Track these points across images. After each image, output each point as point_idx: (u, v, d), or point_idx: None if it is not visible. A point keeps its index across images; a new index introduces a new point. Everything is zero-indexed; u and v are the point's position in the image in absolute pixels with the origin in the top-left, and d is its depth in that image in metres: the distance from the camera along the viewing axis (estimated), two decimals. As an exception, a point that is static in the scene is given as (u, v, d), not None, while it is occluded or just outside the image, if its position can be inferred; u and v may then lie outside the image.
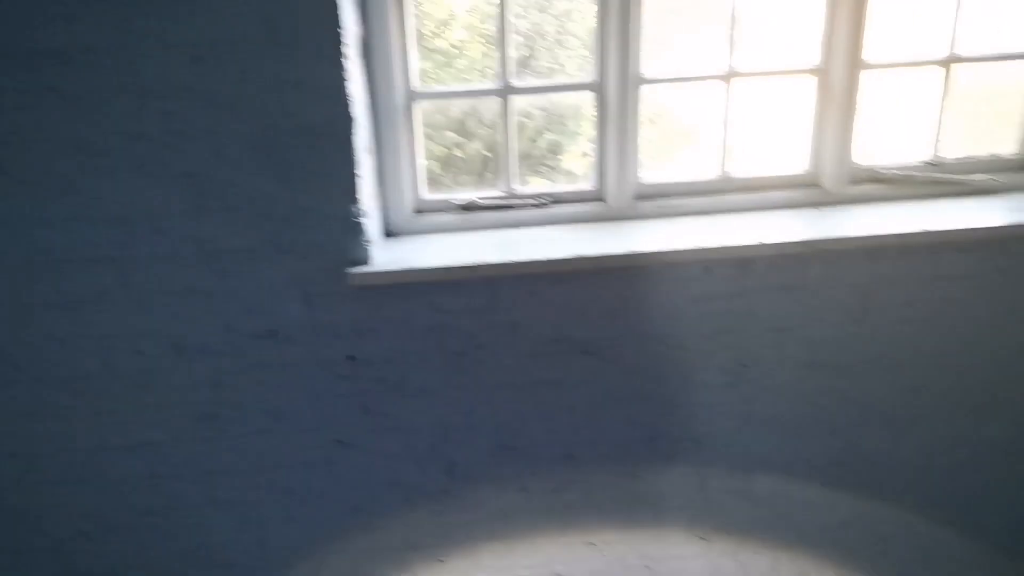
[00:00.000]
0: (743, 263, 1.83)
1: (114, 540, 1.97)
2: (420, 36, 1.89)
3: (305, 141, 1.66)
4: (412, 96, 1.87)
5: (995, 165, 2.04)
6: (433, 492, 1.98)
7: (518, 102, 1.92)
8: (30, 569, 1.98)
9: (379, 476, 1.94)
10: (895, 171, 2.01)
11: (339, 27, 1.59)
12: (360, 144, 1.71)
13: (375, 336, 1.82)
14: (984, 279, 1.89)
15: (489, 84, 1.90)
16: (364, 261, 1.75)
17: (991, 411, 2.01)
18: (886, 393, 1.98)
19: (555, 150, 4.31)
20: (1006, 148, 2.06)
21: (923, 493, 2.08)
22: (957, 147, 2.05)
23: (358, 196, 1.71)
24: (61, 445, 1.87)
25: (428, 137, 4.14)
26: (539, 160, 4.31)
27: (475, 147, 4.24)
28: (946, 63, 1.94)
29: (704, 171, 2.01)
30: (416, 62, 1.86)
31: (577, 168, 4.16)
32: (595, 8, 1.83)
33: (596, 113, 1.92)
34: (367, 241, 1.75)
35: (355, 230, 1.73)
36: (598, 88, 1.90)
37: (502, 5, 1.80)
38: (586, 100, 4.25)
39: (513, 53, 1.87)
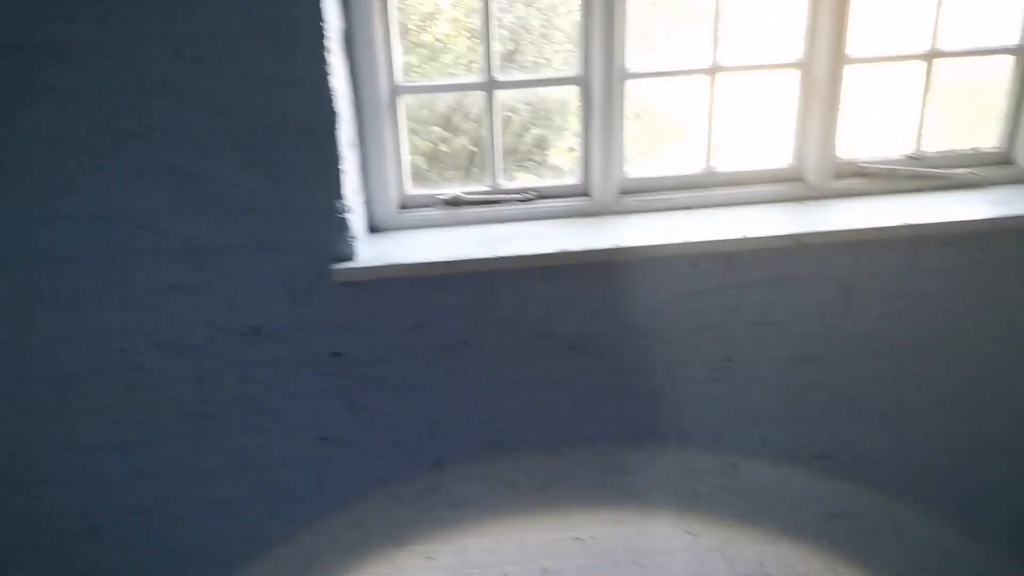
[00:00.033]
0: (728, 257, 1.84)
1: (98, 540, 1.95)
2: (405, 30, 1.88)
3: (288, 137, 1.65)
4: (396, 90, 1.86)
5: (976, 159, 2.06)
6: (420, 489, 1.97)
7: (503, 96, 1.91)
8: (13, 570, 1.96)
9: (366, 473, 1.94)
10: (878, 165, 2.02)
11: (321, 21, 1.57)
12: (344, 139, 1.69)
13: (360, 333, 1.81)
14: (962, 273, 1.91)
15: (474, 78, 1.89)
16: (349, 257, 1.74)
17: (972, 404, 2.03)
18: (869, 386, 1.99)
19: (542, 145, 4.31)
20: (987, 142, 2.07)
21: (907, 485, 2.10)
22: (939, 141, 2.06)
23: (342, 191, 1.69)
24: (43, 445, 1.85)
25: (414, 132, 4.12)
26: (526, 155, 4.30)
27: (461, 142, 4.23)
28: (928, 57, 1.95)
29: (689, 166, 2.01)
30: (400, 56, 1.85)
31: (564, 163, 4.15)
32: (580, 2, 1.82)
33: (581, 107, 1.92)
34: (352, 237, 1.74)
35: (339, 226, 1.72)
36: (583, 82, 1.90)
37: (486, -1, 1.80)
38: (572, 95, 4.24)
39: (497, 47, 1.86)
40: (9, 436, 1.83)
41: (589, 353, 1.88)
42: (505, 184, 1.97)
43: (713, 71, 1.91)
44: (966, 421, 2.05)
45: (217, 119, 1.62)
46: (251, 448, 1.89)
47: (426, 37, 4.15)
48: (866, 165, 2.02)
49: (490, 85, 1.87)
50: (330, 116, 1.64)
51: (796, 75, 1.95)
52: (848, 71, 1.91)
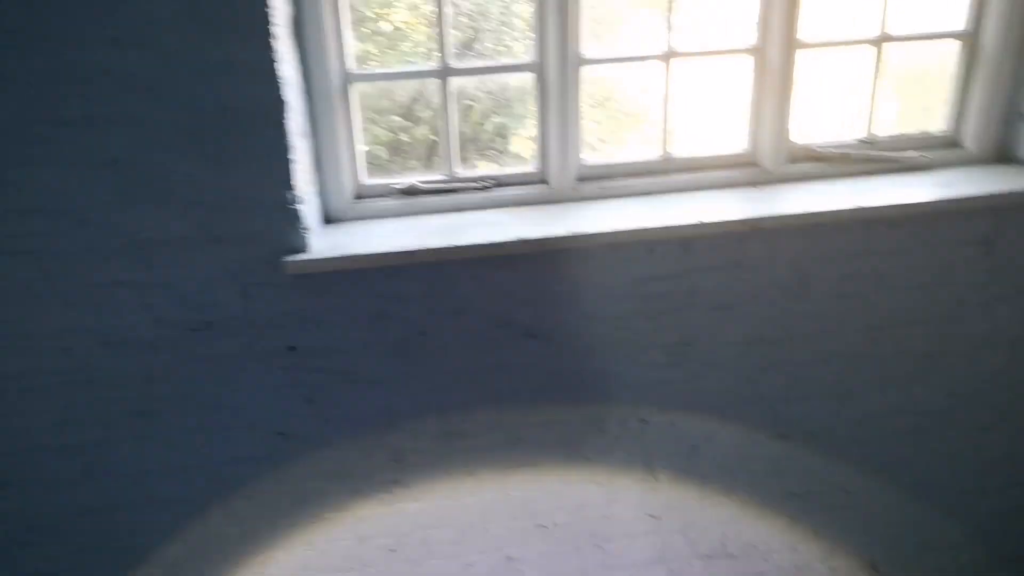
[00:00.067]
0: (684, 243, 1.85)
1: (50, 542, 1.89)
2: (362, 18, 1.84)
3: (235, 125, 1.60)
4: (348, 78, 1.82)
5: (925, 142, 2.10)
6: (382, 482, 1.95)
7: (462, 85, 1.89)
8: (-42, 578, 1.90)
9: (325, 468, 1.91)
10: (831, 149, 2.05)
11: (266, 6, 1.53)
12: (294, 128, 1.66)
13: (316, 325, 1.78)
14: (911, 253, 1.95)
15: (430, 66, 1.86)
16: (302, 249, 1.71)
17: (923, 380, 2.08)
18: (825, 366, 2.03)
19: (503, 133, 4.29)
20: (935, 125, 2.12)
21: (863, 461, 2.15)
22: (890, 125, 2.10)
23: (293, 182, 1.66)
24: (-13, 448, 1.79)
25: (374, 122, 4.07)
26: (487, 144, 4.28)
27: (422, 132, 4.19)
28: (877, 42, 1.97)
29: (646, 152, 2.02)
30: (352, 43, 1.81)
31: (525, 151, 4.14)
32: (533, -12, 1.81)
33: (537, 94, 1.91)
34: (304, 228, 1.70)
35: (291, 217, 1.68)
36: (538, 69, 1.88)
37: (438, -16, 1.77)
38: (531, 82, 4.23)
39: (453, 34, 1.84)
40: (-50, 440, 1.77)
41: (548, 340, 1.88)
42: (462, 172, 1.95)
43: (668, 57, 1.91)
44: (919, 397, 2.10)
45: (161, 108, 1.57)
46: (206, 446, 1.85)
47: (384, 25, 4.10)
48: (819, 149, 2.04)
49: (444, 72, 1.84)
50: (278, 104, 1.60)
51: (750, 61, 1.96)
52: (801, 56, 1.92)
